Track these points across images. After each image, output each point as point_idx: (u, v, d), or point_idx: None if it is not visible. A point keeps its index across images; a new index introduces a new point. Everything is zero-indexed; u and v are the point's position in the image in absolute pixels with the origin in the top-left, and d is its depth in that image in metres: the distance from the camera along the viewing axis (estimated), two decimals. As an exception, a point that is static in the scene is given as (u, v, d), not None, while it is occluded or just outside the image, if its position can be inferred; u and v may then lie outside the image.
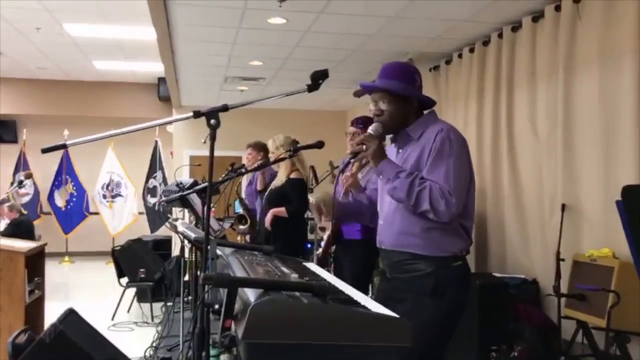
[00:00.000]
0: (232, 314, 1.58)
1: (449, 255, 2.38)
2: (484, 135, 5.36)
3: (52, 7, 6.18)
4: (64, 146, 1.82)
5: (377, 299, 2.52)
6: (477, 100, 5.53)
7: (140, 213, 10.81)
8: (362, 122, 4.10)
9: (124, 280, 6.64)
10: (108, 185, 10.93)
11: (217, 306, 1.71)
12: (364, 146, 2.37)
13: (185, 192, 3.58)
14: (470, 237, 2.47)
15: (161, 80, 9.63)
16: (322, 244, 4.45)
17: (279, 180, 4.97)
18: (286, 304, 1.49)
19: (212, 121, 1.83)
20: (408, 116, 2.45)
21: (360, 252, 4.07)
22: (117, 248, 6.92)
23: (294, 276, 1.88)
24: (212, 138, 1.84)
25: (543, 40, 4.58)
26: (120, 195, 10.96)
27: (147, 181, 10.55)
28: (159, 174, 10.48)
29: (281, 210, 4.87)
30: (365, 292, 4.18)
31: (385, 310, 1.64)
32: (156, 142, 10.61)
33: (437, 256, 2.36)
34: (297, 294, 1.59)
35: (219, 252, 2.37)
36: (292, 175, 4.93)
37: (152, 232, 9.99)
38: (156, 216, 10.06)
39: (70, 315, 3.19)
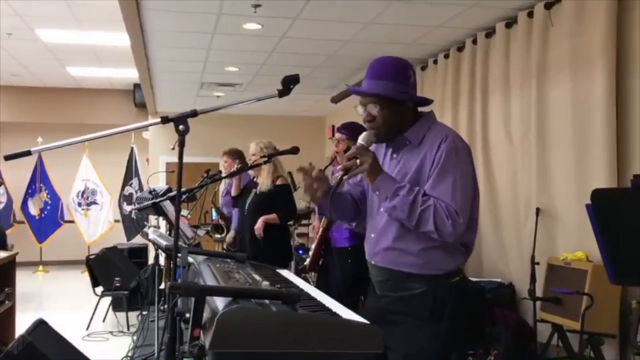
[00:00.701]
0: (200, 323, 1.55)
1: (444, 272, 2.13)
2: (459, 140, 5.38)
3: (23, 12, 6.08)
4: (27, 153, 1.78)
5: (366, 316, 2.31)
6: (452, 105, 5.56)
7: (116, 221, 10.67)
8: (347, 128, 4.03)
9: (99, 289, 6.54)
10: (83, 192, 10.76)
11: (187, 315, 1.68)
12: (358, 160, 2.04)
13: (157, 200, 3.54)
14: (470, 250, 2.22)
15: (137, 86, 9.52)
16: (311, 253, 4.40)
17: (265, 185, 4.83)
18: (254, 312, 1.46)
19: (181, 127, 1.80)
20: (404, 120, 2.19)
21: (350, 260, 3.98)
22: (92, 256, 6.81)
23: (265, 284, 1.86)
24: (181, 144, 1.82)
25: (516, 46, 4.63)
26: (95, 203, 10.80)
27: (123, 188, 10.43)
28: (135, 181, 10.36)
29: (272, 217, 4.77)
30: (357, 301, 4.11)
31: (356, 317, 1.62)
32: (132, 148, 10.49)
33: (431, 274, 2.11)
34: (267, 301, 1.57)
35: (190, 260, 2.33)
36: (279, 182, 4.86)
37: (128, 240, 9.87)
38: (132, 224, 9.96)
39: (40, 326, 3.11)
